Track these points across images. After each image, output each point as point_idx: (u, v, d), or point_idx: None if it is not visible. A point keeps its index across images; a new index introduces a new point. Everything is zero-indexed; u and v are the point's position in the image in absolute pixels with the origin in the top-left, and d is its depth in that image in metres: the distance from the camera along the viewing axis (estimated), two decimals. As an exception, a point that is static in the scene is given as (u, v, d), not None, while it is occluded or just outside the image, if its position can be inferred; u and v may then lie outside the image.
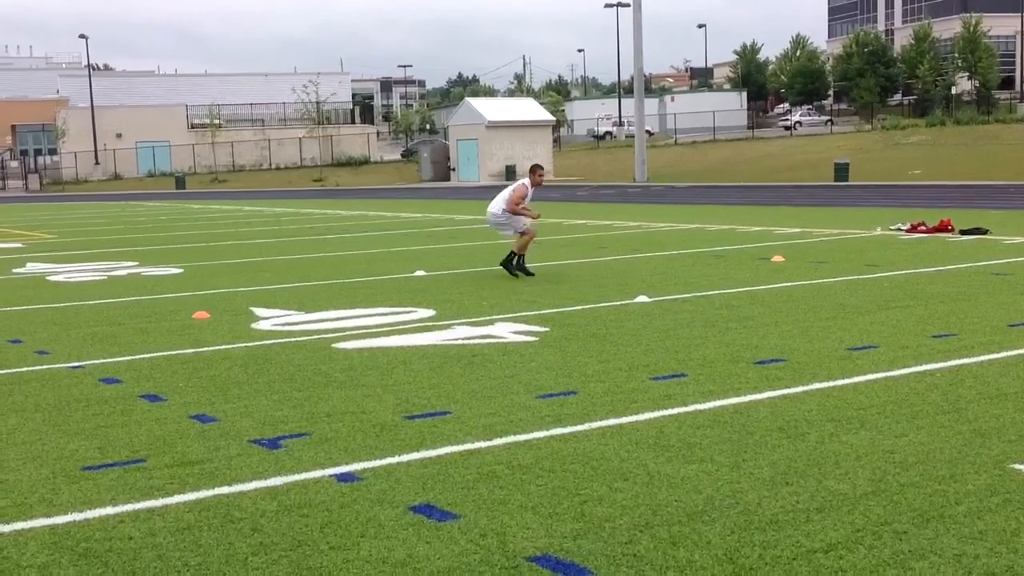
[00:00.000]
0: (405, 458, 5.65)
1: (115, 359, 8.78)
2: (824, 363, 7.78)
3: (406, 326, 10.08)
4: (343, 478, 5.33)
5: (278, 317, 10.90)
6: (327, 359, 8.51)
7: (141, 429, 6.41)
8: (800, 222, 22.21)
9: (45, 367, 8.51)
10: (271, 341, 9.47)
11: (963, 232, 17.95)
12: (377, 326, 10.12)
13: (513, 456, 5.63)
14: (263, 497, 5.07)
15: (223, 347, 9.21)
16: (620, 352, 8.46)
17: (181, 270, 16.22)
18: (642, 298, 11.31)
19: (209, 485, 5.26)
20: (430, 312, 10.91)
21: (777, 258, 14.91)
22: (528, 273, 13.82)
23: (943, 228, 18.46)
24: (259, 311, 11.35)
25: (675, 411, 6.50)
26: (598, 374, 7.65)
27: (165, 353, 8.97)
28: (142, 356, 8.86)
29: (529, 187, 13.98)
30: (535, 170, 14.12)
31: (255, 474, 5.42)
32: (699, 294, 11.67)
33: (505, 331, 9.60)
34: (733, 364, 7.85)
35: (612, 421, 6.30)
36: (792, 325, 9.45)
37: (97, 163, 76.12)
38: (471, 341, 9.14)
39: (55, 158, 77.86)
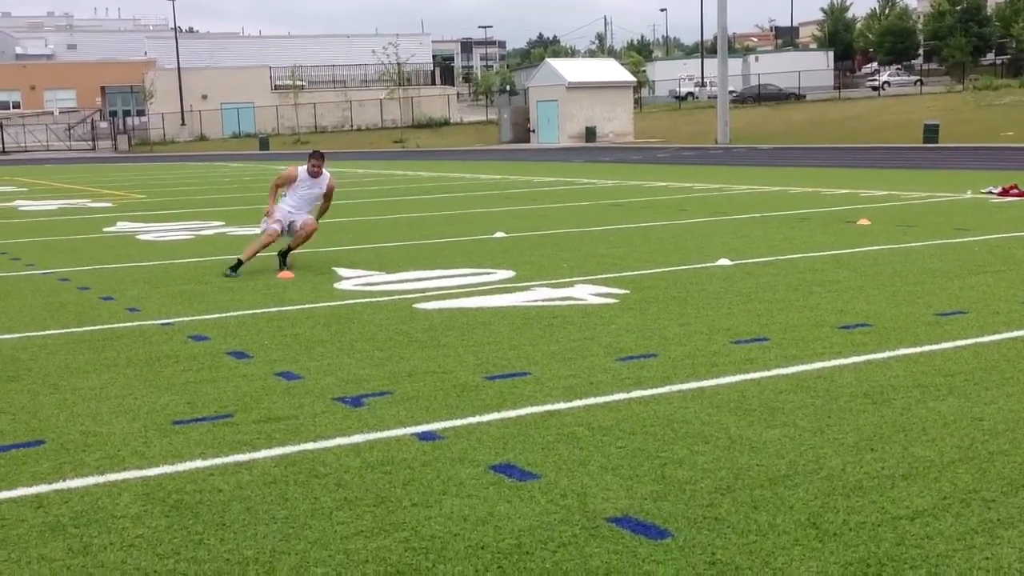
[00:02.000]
0: (486, 418, 5.69)
1: (203, 316, 8.97)
2: (911, 328, 7.63)
3: (486, 287, 10.12)
4: (425, 436, 5.39)
5: (359, 277, 11.02)
6: (408, 319, 8.59)
7: (228, 385, 6.55)
8: (887, 185, 21.74)
9: (136, 324, 8.74)
10: (353, 301, 9.59)
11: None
12: (457, 287, 10.18)
13: (593, 418, 5.64)
14: (347, 454, 5.15)
15: (307, 306, 9.35)
16: (701, 315, 8.40)
17: (265, 230, 16.44)
18: (724, 261, 11.20)
19: (295, 441, 5.37)
20: (510, 273, 10.94)
21: (863, 222, 14.62)
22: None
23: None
24: (341, 271, 11.49)
25: (757, 375, 6.44)
26: (678, 337, 7.60)
27: (251, 311, 9.14)
28: (229, 314, 9.05)
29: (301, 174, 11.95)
30: (310, 158, 12.05)
31: (339, 431, 5.52)
32: (782, 257, 11.51)
33: (585, 293, 9.58)
34: (817, 329, 7.74)
35: (693, 384, 6.27)
36: (878, 290, 9.28)
37: (183, 124, 77.46)
38: (551, 303, 9.15)
39: (143, 119, 79.34)
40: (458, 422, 5.63)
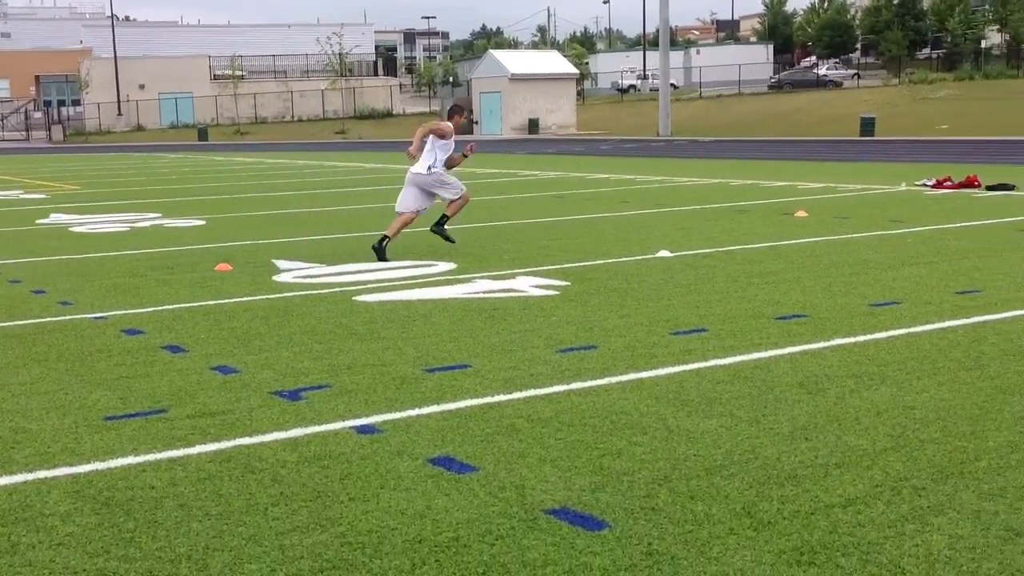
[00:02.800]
0: (425, 411, 5.67)
1: (137, 310, 8.83)
2: (846, 319, 7.74)
3: (427, 279, 10.08)
4: (363, 430, 5.35)
5: (300, 270, 10.92)
6: (348, 312, 8.53)
7: (163, 380, 6.45)
8: (824, 177, 22.03)
9: (68, 318, 8.57)
10: (292, 294, 9.50)
11: (989, 188, 17.76)
12: (398, 279, 10.13)
13: (533, 410, 5.64)
14: (283, 448, 5.10)
15: (244, 299, 9.24)
16: (640, 307, 8.44)
17: (204, 222, 16.27)
18: (664, 253, 11.27)
19: (230, 436, 5.30)
20: (451, 265, 10.91)
21: (800, 213, 14.80)
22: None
23: (969, 184, 18.26)
24: (281, 263, 11.38)
25: (695, 366, 6.49)
26: (618, 329, 7.63)
27: (187, 305, 9.01)
28: (164, 307, 8.91)
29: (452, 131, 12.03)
30: (460, 113, 12.47)
31: (276, 425, 5.46)
32: (721, 249, 11.61)
33: (525, 285, 9.59)
34: (754, 319, 7.82)
35: (632, 376, 6.30)
36: (814, 281, 9.39)
37: (120, 114, 76.29)
38: (492, 295, 9.14)
39: (78, 109, 78.04)
40: (397, 415, 5.60)
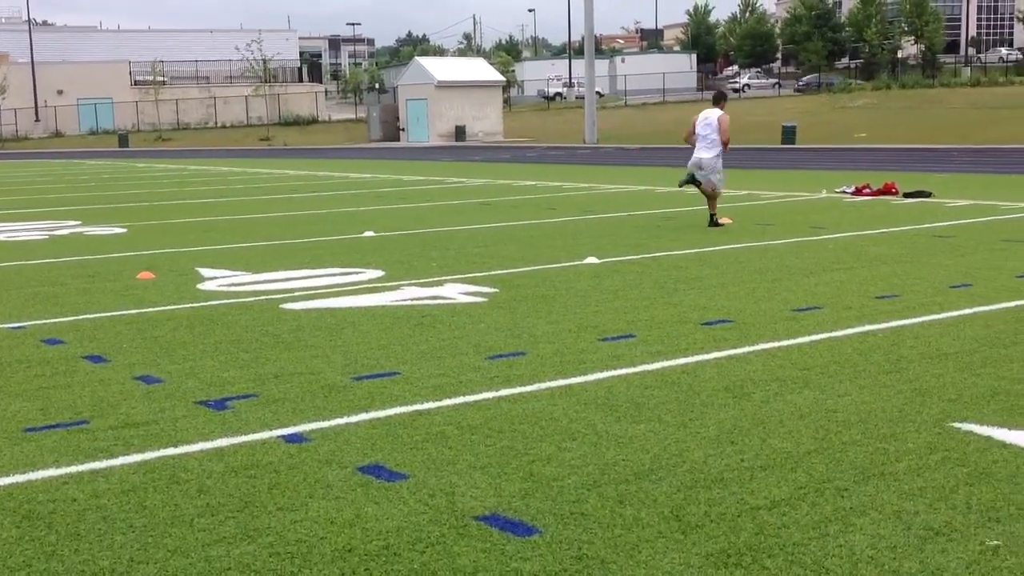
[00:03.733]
0: (354, 419, 5.63)
1: (57, 320, 8.64)
2: (769, 324, 7.87)
3: (355, 287, 10.03)
4: (291, 439, 5.30)
5: (224, 278, 10.78)
6: (274, 320, 8.45)
7: (84, 390, 6.32)
8: (747, 185, 22.37)
9: (-15, 328, 8.35)
10: (217, 302, 9.37)
11: (907, 195, 18.19)
12: (325, 287, 10.05)
13: (462, 417, 5.64)
14: (209, 458, 5.03)
15: (168, 308, 9.09)
16: (569, 313, 8.48)
17: (125, 230, 15.98)
18: (591, 259, 11.35)
19: (154, 446, 5.21)
20: (379, 273, 10.86)
21: (725, 220, 15.00)
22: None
23: (887, 191, 18.69)
24: (205, 271, 11.22)
25: (623, 371, 6.54)
26: (547, 335, 7.67)
27: (108, 314, 8.84)
28: (85, 317, 8.73)
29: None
30: (719, 101, 15.05)
31: (201, 435, 5.38)
32: (648, 255, 11.73)
33: (454, 292, 9.58)
34: (681, 325, 7.91)
35: (561, 382, 6.33)
36: (739, 287, 9.53)
37: (37, 120, 74.59)
38: (420, 302, 9.12)
39: (-7, 115, 76.04)
40: (325, 423, 5.56)
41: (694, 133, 14.75)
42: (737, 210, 16.64)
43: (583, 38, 54.74)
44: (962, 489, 4.43)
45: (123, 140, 66.37)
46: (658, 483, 4.58)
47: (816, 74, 77.48)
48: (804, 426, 5.34)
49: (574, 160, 37.87)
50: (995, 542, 3.90)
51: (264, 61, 74.59)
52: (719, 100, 15.04)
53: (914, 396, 5.84)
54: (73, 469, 4.90)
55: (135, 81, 77.65)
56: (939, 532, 4.00)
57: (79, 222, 17.31)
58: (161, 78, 77.03)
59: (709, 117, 14.62)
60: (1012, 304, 8.41)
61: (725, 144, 14.39)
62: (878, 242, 12.44)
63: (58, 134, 73.73)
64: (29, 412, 5.88)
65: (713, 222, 14.28)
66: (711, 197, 14.51)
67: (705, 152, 14.46)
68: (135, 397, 6.15)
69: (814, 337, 7.38)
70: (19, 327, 8.34)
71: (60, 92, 75.78)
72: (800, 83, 77.30)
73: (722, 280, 9.92)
